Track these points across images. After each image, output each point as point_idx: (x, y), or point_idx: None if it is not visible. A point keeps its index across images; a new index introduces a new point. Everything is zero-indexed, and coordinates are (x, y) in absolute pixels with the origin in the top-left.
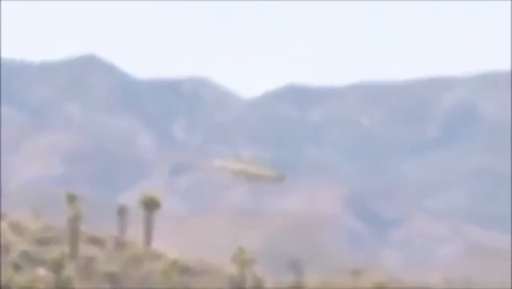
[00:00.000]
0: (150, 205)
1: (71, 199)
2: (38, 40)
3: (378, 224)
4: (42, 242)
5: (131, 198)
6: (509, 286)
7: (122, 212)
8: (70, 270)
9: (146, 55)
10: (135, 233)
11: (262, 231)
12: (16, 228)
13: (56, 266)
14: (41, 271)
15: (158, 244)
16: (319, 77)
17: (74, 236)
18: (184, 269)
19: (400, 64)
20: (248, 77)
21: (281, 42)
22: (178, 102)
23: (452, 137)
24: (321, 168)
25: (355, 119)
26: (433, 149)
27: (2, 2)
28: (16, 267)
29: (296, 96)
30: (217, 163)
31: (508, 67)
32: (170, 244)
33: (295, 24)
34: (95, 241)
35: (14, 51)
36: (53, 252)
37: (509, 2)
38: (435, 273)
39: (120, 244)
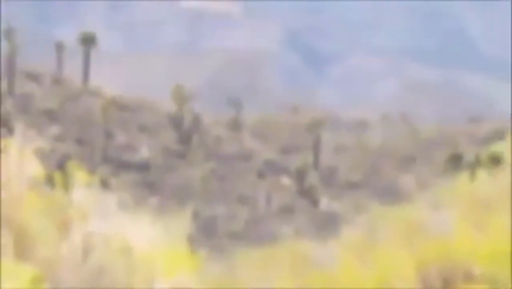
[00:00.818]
0: (87, 40)
1: (8, 33)
2: None
3: (316, 61)
4: None
5: (67, 33)
6: (442, 119)
7: (59, 48)
8: (8, 106)
9: None
10: (72, 69)
11: (201, 68)
12: None
13: None
14: None
15: (96, 81)
16: None
17: (11, 72)
18: (122, 106)
19: None
20: None
21: None
22: None
23: None
24: (258, 5)
25: None
26: None
27: None
28: None
29: None
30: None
31: None
32: (108, 80)
33: None
34: (32, 77)
35: None
36: None
37: None
38: (373, 109)
39: (58, 80)
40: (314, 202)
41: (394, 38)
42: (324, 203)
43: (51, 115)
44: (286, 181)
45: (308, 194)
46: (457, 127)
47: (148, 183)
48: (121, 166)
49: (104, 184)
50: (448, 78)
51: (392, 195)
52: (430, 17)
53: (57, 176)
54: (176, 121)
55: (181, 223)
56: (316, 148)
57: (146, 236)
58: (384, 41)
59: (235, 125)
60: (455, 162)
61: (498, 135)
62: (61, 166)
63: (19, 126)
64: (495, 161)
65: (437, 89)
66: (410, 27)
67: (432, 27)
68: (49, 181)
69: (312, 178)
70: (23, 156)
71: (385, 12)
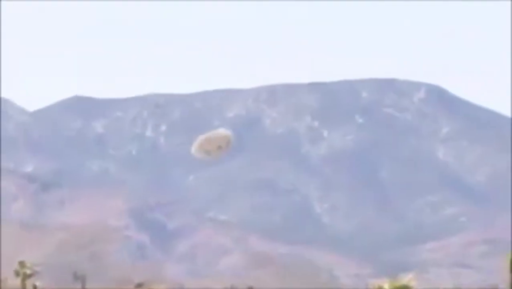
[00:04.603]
0: None
1: None
2: None
3: (163, 236)
4: None
5: None
6: None
7: None
8: None
9: None
10: None
11: (46, 243)
12: None
13: None
14: None
15: None
16: (104, 89)
17: None
18: None
19: (183, 77)
20: (32, 89)
21: (67, 53)
22: None
23: (235, 149)
24: (104, 180)
25: (139, 131)
26: (216, 160)
27: None
28: None
29: (81, 108)
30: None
31: (291, 80)
32: None
33: (78, 34)
34: None
35: None
36: None
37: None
38: (219, 281)
39: None
40: None
41: (239, 213)
42: None
43: None
44: None
45: None
46: None
47: None
48: None
49: None
50: (293, 252)
51: None
52: (275, 192)
53: None
54: None
55: None
56: None
57: None
58: (229, 216)
59: None
60: None
61: None
62: None
63: None
64: None
65: (282, 263)
66: (255, 203)
67: (277, 203)
68: None
69: None
70: None
71: (231, 187)
